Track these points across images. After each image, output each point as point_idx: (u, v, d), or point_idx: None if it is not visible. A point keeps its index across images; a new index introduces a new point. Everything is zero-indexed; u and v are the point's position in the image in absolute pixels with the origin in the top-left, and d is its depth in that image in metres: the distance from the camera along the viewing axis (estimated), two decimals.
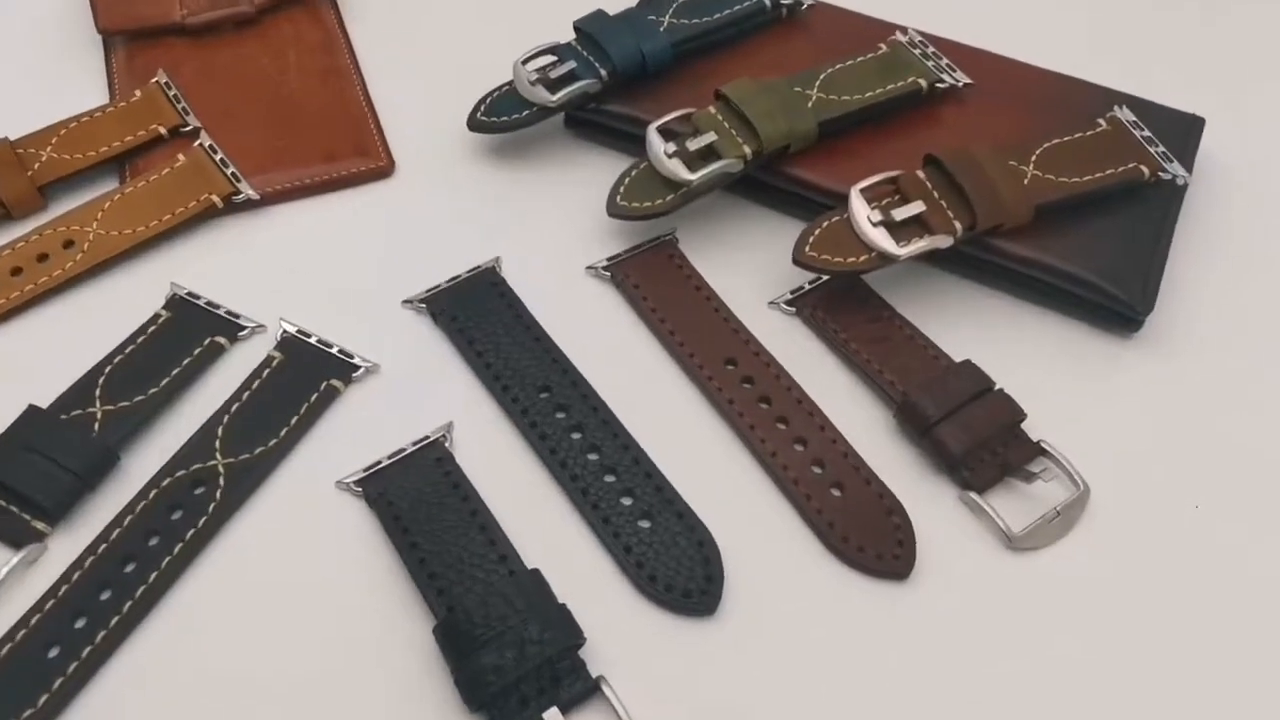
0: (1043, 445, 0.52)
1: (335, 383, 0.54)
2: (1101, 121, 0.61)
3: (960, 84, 0.63)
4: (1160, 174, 0.59)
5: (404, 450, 0.51)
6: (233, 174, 0.61)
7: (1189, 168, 0.60)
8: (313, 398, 0.53)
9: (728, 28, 0.66)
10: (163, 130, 0.63)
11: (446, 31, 0.72)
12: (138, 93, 0.65)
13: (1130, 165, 0.59)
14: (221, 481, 0.50)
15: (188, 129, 0.64)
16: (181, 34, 0.69)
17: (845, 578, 0.49)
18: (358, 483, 0.50)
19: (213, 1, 0.69)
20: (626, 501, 0.50)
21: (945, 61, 0.64)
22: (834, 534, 0.49)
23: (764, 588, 0.48)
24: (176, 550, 0.48)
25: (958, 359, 0.54)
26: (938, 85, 0.62)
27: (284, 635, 0.46)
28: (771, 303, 0.58)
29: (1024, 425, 0.52)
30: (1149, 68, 0.68)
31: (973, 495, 0.51)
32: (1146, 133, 0.61)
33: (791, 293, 0.58)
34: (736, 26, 0.66)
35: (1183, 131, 0.62)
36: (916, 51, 0.64)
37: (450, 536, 0.48)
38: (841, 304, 0.58)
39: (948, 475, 0.52)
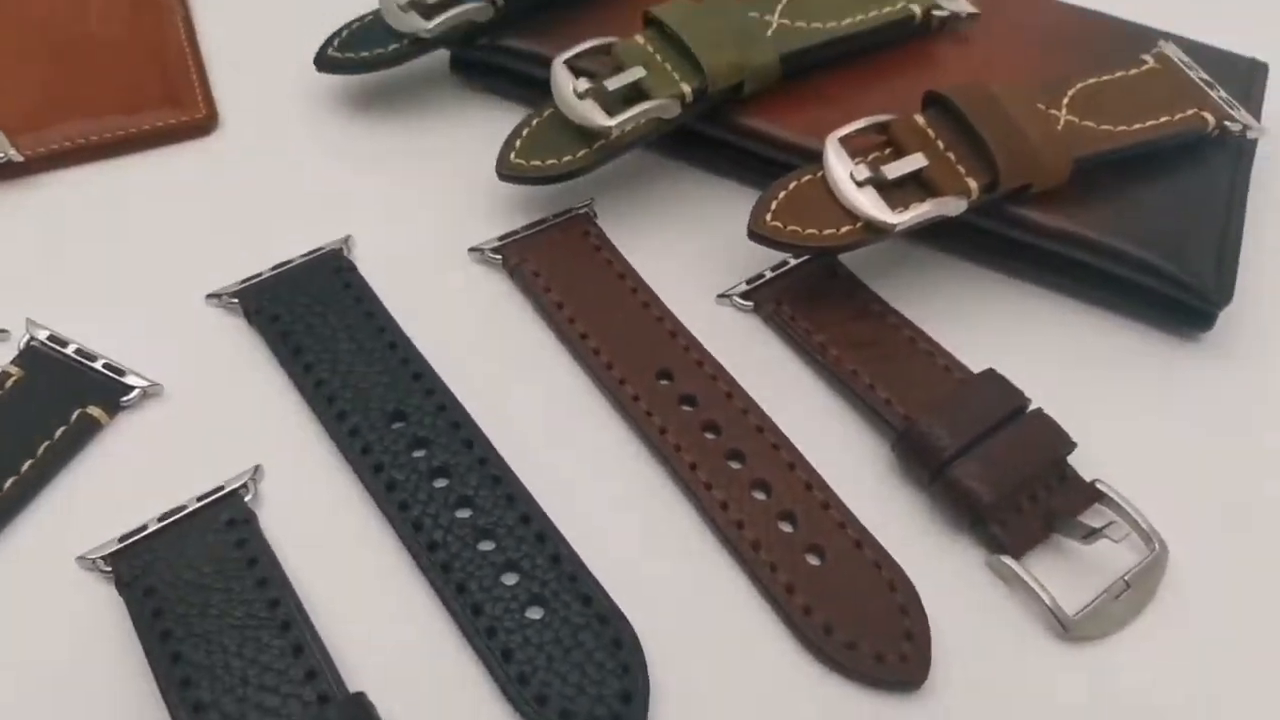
0: (1099, 487, 0.37)
1: (94, 411, 0.38)
2: (1147, 58, 0.47)
3: (963, 13, 0.49)
4: (1226, 124, 0.45)
5: (183, 509, 0.35)
6: None
7: (1257, 120, 0.46)
8: (58, 433, 0.37)
9: None
10: None
11: None
12: None
13: (1189, 112, 0.45)
14: None
15: None
16: None
17: (831, 688, 0.33)
18: (108, 558, 0.34)
19: None
20: (510, 580, 0.34)
21: None
22: (812, 624, 0.34)
23: (709, 708, 0.32)
24: None
25: (976, 370, 0.39)
26: (934, 13, 0.48)
27: None
28: (721, 295, 0.43)
29: (1072, 459, 0.37)
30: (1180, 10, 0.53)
31: (1008, 561, 0.35)
32: (1203, 74, 0.47)
33: (748, 282, 0.43)
34: None
35: (1244, 78, 0.49)
36: None
37: (232, 641, 0.32)
38: (816, 296, 0.43)
39: (971, 533, 0.37)
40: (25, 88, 0.48)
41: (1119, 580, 0.35)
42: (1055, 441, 0.37)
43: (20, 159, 0.45)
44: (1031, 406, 0.38)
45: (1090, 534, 0.36)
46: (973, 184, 0.40)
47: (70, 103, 0.47)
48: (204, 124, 0.48)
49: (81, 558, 0.34)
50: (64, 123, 0.47)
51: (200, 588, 0.33)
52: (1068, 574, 0.36)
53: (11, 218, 0.44)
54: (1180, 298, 0.42)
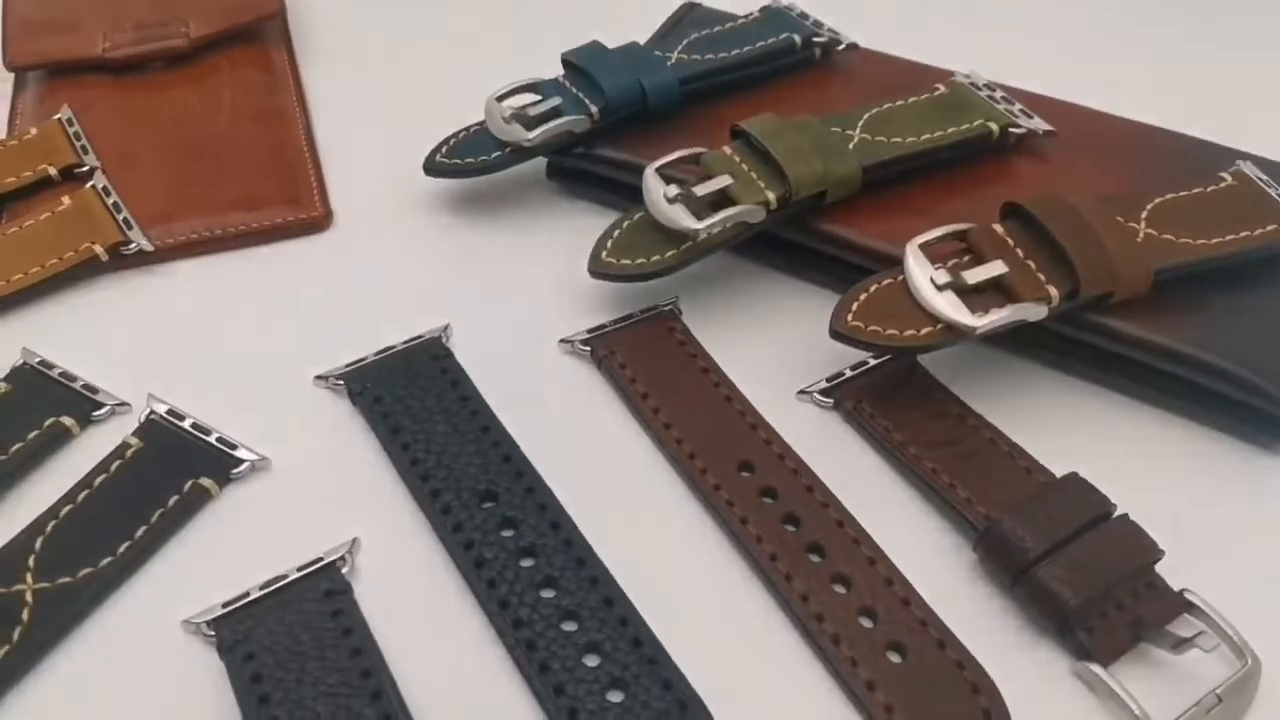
0: (1188, 596, 0.36)
1: (206, 482, 0.40)
2: (1225, 176, 0.48)
3: (1040, 131, 0.50)
4: None
5: (284, 578, 0.36)
6: (125, 220, 0.49)
7: None
8: (171, 502, 0.39)
9: (748, 67, 0.54)
10: (52, 171, 0.52)
11: (417, 76, 0.61)
12: (33, 130, 0.54)
13: (1270, 228, 0.45)
14: (26, 614, 0.36)
15: (84, 170, 0.52)
16: (104, 71, 0.58)
17: None
18: (212, 623, 0.35)
19: (140, 35, 0.59)
20: (591, 661, 0.35)
21: (1019, 106, 0.52)
22: None
23: None
24: None
25: (1056, 474, 0.40)
26: (1011, 130, 0.50)
27: None
28: (801, 392, 0.44)
29: (1159, 567, 0.37)
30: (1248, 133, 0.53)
31: (1095, 669, 0.35)
32: None
33: (828, 380, 0.44)
34: (759, 66, 0.55)
35: None
36: (983, 93, 0.52)
37: (326, 709, 0.33)
38: (895, 396, 0.43)
39: (1055, 639, 0.36)
40: (159, 183, 0.52)
41: (1210, 694, 0.34)
42: (1142, 548, 0.37)
43: (151, 248, 0.49)
44: (1117, 512, 0.38)
45: (1180, 643, 0.35)
46: (1054, 291, 0.41)
47: (198, 198, 0.51)
48: (320, 221, 0.51)
49: (186, 621, 0.36)
50: (192, 217, 0.50)
51: (297, 655, 0.34)
52: (1156, 685, 0.35)
53: (140, 301, 0.48)
54: (1262, 407, 0.41)
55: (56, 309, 0.48)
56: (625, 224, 0.47)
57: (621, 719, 0.33)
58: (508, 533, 0.38)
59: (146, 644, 0.36)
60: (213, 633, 0.35)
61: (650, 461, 0.42)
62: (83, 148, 0.53)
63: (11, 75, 0.59)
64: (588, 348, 0.45)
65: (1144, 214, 0.44)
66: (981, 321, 0.40)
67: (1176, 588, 0.37)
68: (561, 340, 0.46)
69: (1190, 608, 0.37)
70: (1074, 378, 0.45)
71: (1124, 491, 0.39)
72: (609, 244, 0.46)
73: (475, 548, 0.37)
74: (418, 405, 0.42)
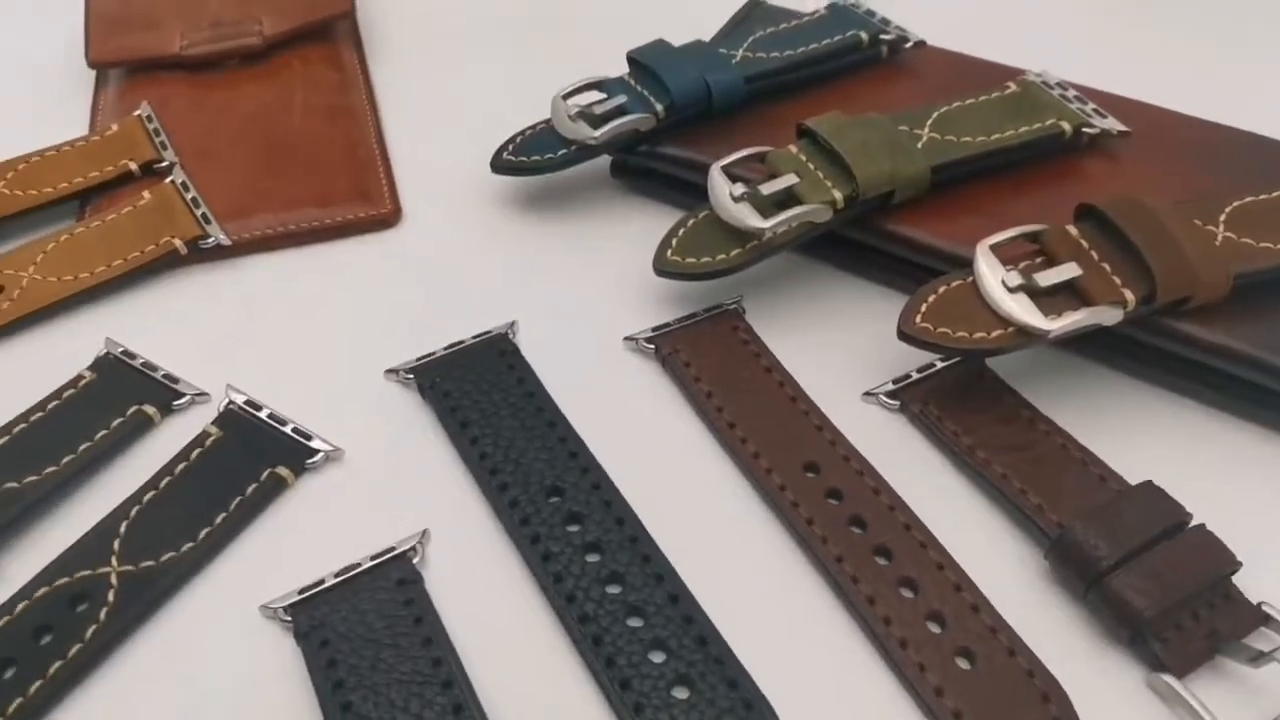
0: (1266, 609, 0.36)
1: (282, 471, 0.41)
2: None
3: (1114, 131, 0.49)
4: None
5: (358, 566, 0.37)
6: (203, 215, 0.51)
7: None
8: (249, 489, 0.40)
9: (814, 65, 0.54)
10: (133, 166, 0.53)
11: (484, 75, 0.62)
12: (114, 126, 0.56)
13: None
14: (111, 596, 0.37)
15: (163, 165, 0.54)
16: (181, 68, 0.60)
17: None
18: (289, 608, 0.36)
19: (217, 33, 0.60)
20: (657, 658, 0.35)
21: (1092, 106, 0.51)
22: None
23: None
24: (34, 689, 0.35)
25: (1130, 482, 0.39)
26: (1085, 130, 0.49)
27: None
28: (868, 393, 0.44)
29: (1236, 579, 0.36)
30: None
31: (1169, 680, 0.34)
32: None
33: (894, 382, 0.44)
34: (825, 64, 0.54)
35: None
36: (1055, 92, 0.51)
37: (399, 696, 0.33)
38: (963, 399, 0.43)
39: (1128, 649, 0.36)
40: (235, 179, 0.53)
41: None
42: (1219, 559, 0.36)
43: (228, 243, 0.50)
44: (1193, 521, 0.37)
45: (1258, 657, 0.34)
46: (1129, 295, 0.40)
47: (273, 195, 0.52)
48: (389, 218, 0.52)
49: (264, 607, 0.37)
50: (266, 212, 0.52)
51: (371, 642, 0.35)
52: (1232, 699, 0.35)
53: (218, 294, 0.49)
54: None
55: (137, 301, 0.49)
56: (690, 222, 0.47)
57: (687, 715, 0.33)
58: (574, 528, 0.38)
59: (226, 627, 0.37)
60: (290, 618, 0.36)
61: (714, 460, 0.42)
62: (161, 144, 0.54)
63: (93, 72, 0.61)
64: (652, 345, 0.46)
65: (1223, 217, 0.43)
66: (1055, 325, 0.39)
67: (1255, 600, 0.36)
68: (626, 338, 0.46)
69: (1268, 621, 0.36)
70: (1149, 384, 0.44)
71: (1200, 501, 0.38)
72: (674, 242, 0.46)
73: (542, 541, 0.38)
74: (485, 400, 0.42)
